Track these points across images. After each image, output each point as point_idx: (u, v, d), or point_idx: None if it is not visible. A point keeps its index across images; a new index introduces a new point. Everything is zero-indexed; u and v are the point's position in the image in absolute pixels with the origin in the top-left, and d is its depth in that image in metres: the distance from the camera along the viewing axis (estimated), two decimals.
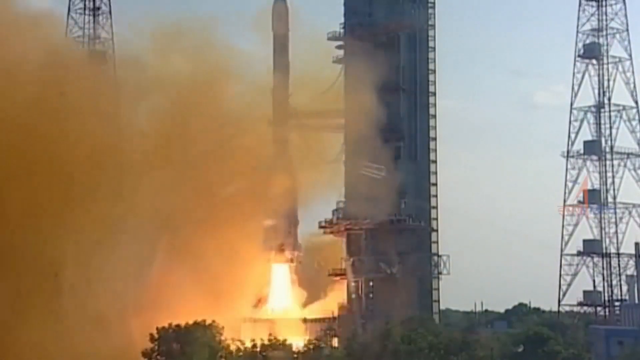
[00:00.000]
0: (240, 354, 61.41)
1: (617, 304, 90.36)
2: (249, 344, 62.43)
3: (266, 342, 62.11)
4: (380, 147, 79.03)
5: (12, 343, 62.51)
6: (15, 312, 63.59)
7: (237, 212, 72.04)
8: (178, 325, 60.25)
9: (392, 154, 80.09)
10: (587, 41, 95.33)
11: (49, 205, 65.61)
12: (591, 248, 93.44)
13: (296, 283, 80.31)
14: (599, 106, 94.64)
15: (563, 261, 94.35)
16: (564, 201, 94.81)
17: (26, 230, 64.76)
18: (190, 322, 60.61)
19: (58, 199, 66.08)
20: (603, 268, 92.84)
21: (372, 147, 79.40)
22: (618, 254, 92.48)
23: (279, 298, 79.09)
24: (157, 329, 60.49)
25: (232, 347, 61.66)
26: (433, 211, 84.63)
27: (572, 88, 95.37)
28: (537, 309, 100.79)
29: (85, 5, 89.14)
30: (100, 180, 67.96)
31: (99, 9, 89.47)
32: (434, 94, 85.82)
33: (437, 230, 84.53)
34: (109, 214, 67.41)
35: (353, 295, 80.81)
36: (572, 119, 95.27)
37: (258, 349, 61.81)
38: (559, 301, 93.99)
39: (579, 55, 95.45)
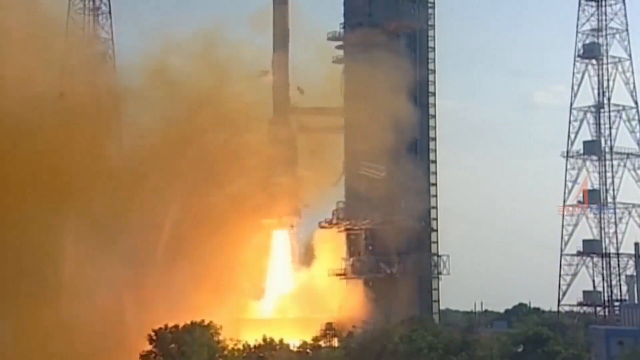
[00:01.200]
0: (237, 354, 61.25)
1: (617, 304, 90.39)
2: (244, 344, 62.19)
3: (264, 342, 61.92)
4: (380, 147, 78.99)
5: (9, 344, 62.51)
6: (12, 313, 63.53)
7: (237, 212, 71.89)
8: (176, 326, 60.21)
9: (392, 154, 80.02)
10: (587, 41, 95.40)
11: (48, 205, 65.48)
12: (591, 248, 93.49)
13: (296, 250, 79.97)
14: (599, 106, 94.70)
15: (563, 261, 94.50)
16: (564, 201, 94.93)
17: (23, 230, 64.62)
18: (189, 322, 60.52)
19: (57, 198, 65.97)
20: (603, 268, 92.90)
21: (372, 147, 79.46)
22: (618, 254, 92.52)
23: (279, 267, 78.76)
24: (153, 330, 60.45)
25: (230, 347, 61.49)
26: (433, 211, 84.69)
27: (572, 88, 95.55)
28: (537, 309, 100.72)
29: (85, 5, 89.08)
30: (100, 180, 67.83)
31: (99, 9, 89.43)
32: (434, 94, 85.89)
33: (437, 230, 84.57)
34: (108, 214, 67.29)
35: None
36: (571, 119, 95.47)
37: (255, 349, 61.64)
38: (559, 301, 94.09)
39: (578, 55, 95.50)
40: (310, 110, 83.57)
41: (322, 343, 65.13)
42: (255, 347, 61.81)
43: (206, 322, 60.86)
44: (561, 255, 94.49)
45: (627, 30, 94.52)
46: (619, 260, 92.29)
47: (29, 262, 64.32)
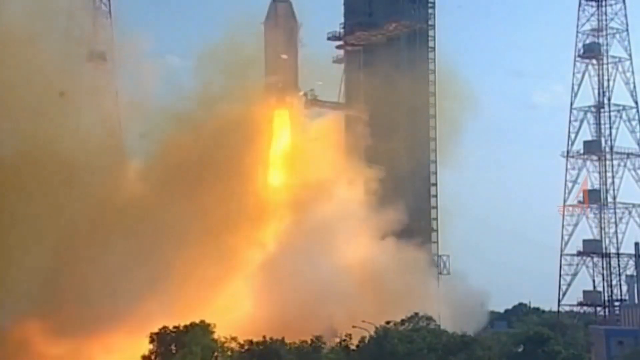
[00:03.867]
0: (237, 354, 61.28)
1: (617, 304, 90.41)
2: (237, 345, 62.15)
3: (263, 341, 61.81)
4: (380, 147, 78.98)
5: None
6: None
7: (232, 215, 71.45)
8: (177, 327, 60.31)
9: (391, 154, 79.95)
10: (587, 41, 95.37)
11: (48, 206, 65.44)
12: (591, 248, 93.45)
13: (297, 128, 79.62)
14: (599, 106, 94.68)
15: (563, 261, 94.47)
16: (564, 201, 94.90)
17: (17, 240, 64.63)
18: (188, 322, 60.59)
19: (57, 199, 65.92)
20: (603, 268, 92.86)
21: (371, 146, 79.47)
22: (618, 254, 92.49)
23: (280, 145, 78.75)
24: (152, 333, 60.56)
25: (231, 346, 61.46)
26: (433, 211, 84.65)
27: (572, 88, 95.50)
28: (537, 309, 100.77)
29: (85, 5, 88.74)
30: (92, 184, 67.71)
31: (99, 9, 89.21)
32: (434, 93, 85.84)
33: (437, 230, 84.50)
34: (100, 218, 67.15)
35: None
36: (572, 119, 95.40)
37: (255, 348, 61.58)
38: (559, 301, 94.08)
39: (578, 55, 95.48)
40: (327, 105, 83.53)
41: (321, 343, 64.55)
42: (259, 344, 61.52)
43: (205, 322, 60.83)
44: (561, 255, 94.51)
45: (627, 30, 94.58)
46: (619, 260, 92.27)
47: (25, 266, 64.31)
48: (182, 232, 68.30)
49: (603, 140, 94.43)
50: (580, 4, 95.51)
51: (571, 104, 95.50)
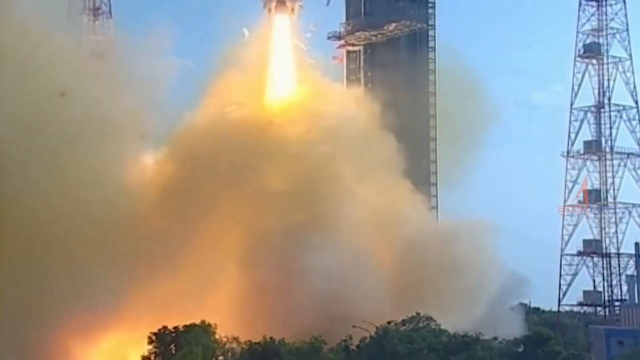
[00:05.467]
0: (238, 354, 61.33)
1: (617, 304, 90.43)
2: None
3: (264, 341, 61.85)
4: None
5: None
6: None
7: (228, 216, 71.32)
8: (176, 327, 60.34)
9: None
10: (587, 41, 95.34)
11: (54, 210, 65.39)
12: (591, 248, 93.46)
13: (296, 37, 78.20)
14: (599, 106, 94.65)
15: (563, 261, 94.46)
16: (564, 201, 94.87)
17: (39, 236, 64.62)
18: (187, 323, 60.65)
19: (63, 203, 65.83)
20: (603, 268, 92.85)
21: None
22: (618, 254, 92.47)
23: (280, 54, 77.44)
24: (152, 333, 60.59)
25: (231, 346, 61.51)
26: (433, 211, 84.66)
27: (572, 88, 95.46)
28: (537, 309, 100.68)
29: (85, 5, 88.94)
30: (92, 187, 67.66)
31: (99, 9, 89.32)
32: (434, 93, 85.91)
33: None
34: (100, 219, 67.16)
35: None
36: (572, 119, 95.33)
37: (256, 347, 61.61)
38: (559, 301, 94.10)
39: (579, 55, 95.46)
40: None
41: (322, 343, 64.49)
42: (259, 344, 61.54)
43: (205, 322, 60.86)
44: (561, 255, 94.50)
45: (627, 30, 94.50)
46: (619, 260, 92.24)
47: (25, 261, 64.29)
48: (183, 232, 68.36)
49: (603, 140, 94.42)
50: (580, 4, 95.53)
51: (571, 104, 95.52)
